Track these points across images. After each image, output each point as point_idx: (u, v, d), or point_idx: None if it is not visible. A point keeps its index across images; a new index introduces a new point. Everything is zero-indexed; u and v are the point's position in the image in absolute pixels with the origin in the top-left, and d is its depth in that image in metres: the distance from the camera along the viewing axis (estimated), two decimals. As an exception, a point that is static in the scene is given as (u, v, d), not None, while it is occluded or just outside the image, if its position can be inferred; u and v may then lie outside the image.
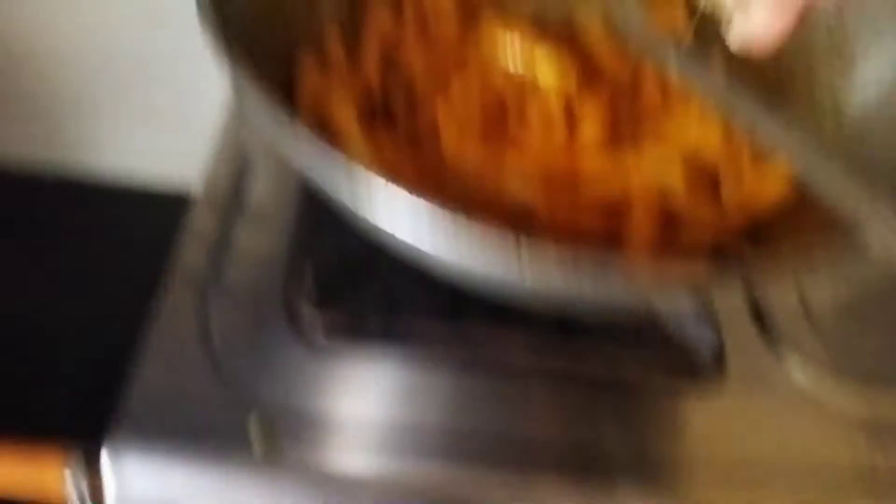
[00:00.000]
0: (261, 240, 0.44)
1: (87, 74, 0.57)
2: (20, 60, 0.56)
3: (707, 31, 0.49)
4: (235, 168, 0.47)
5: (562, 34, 0.45)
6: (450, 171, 0.35)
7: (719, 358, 0.42)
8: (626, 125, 0.42)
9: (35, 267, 0.62)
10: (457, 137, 0.34)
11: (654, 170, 0.38)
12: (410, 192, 0.24)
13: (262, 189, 0.45)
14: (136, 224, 0.65)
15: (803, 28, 0.43)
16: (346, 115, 0.34)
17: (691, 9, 0.49)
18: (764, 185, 0.40)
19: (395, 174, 0.34)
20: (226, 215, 0.43)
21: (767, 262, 0.33)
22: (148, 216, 0.65)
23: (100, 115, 0.60)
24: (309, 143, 0.26)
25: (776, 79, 0.46)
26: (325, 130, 0.35)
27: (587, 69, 0.43)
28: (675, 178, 0.37)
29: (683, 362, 0.41)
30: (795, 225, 0.39)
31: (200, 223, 0.44)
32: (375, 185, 0.26)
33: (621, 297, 0.31)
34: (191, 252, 0.42)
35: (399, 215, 0.26)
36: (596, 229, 0.37)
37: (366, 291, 0.40)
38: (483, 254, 0.25)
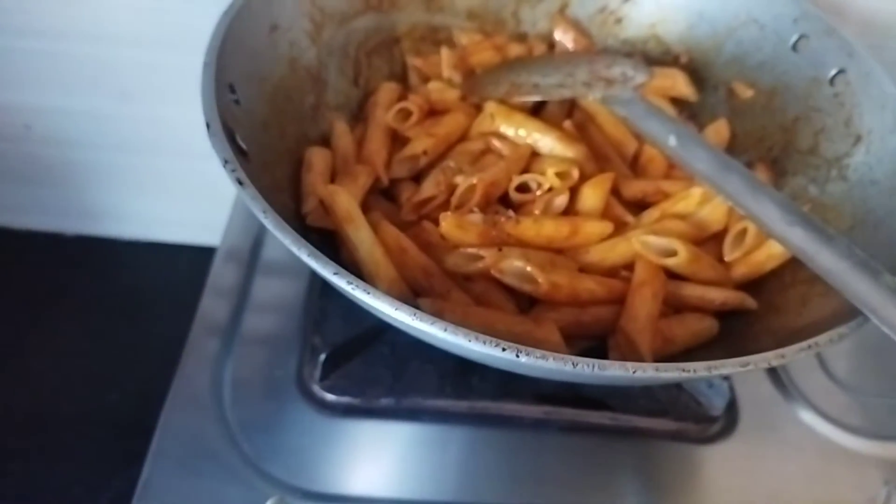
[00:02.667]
0: (270, 320, 0.45)
1: (106, 146, 0.59)
2: (43, 133, 0.59)
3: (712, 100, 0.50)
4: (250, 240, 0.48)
5: (563, 107, 0.46)
6: (450, 248, 0.36)
7: (731, 406, 0.42)
8: (627, 194, 0.42)
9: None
10: (456, 222, 0.35)
11: (656, 231, 0.38)
12: (414, 313, 0.25)
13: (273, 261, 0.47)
14: (153, 278, 0.66)
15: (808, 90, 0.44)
16: (350, 204, 0.35)
17: (691, 74, 0.50)
18: (768, 242, 0.40)
19: (399, 254, 0.35)
20: (235, 307, 0.44)
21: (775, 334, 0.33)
22: (166, 270, 0.66)
23: (120, 184, 0.62)
24: (322, 265, 0.27)
25: (783, 141, 0.46)
26: (331, 214, 0.36)
27: (591, 145, 0.44)
28: (676, 238, 0.37)
29: (695, 410, 0.41)
30: (800, 275, 0.39)
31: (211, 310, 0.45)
32: (382, 301, 0.26)
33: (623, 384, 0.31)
34: (203, 332, 0.44)
35: (405, 323, 0.27)
36: (598, 293, 0.37)
37: (376, 366, 0.40)
38: (486, 353, 0.26)
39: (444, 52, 0.48)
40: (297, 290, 0.46)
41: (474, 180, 0.37)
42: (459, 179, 0.38)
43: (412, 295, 0.35)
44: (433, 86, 0.47)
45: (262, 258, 0.49)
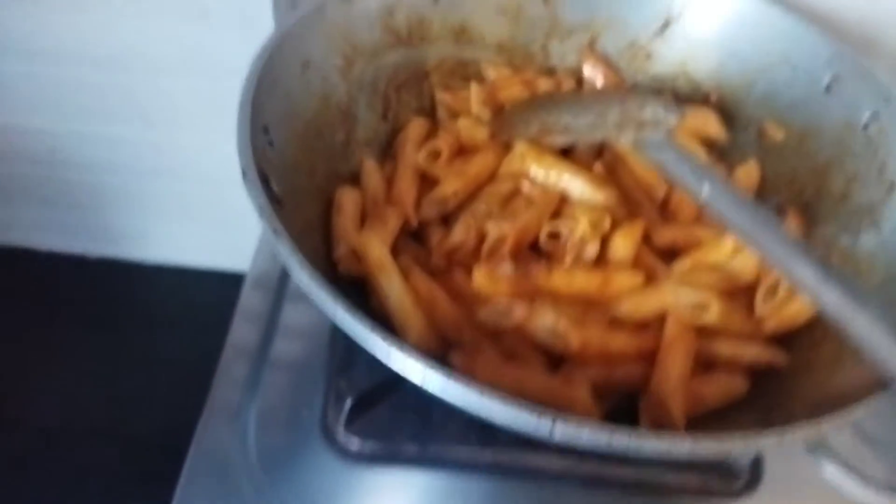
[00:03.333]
0: (298, 348, 0.45)
1: (129, 170, 0.60)
2: (67, 157, 0.59)
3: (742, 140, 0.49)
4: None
5: (593, 147, 0.46)
6: (481, 299, 0.36)
7: (757, 460, 0.41)
8: (658, 241, 0.42)
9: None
10: (488, 275, 0.35)
11: (687, 284, 0.38)
12: (444, 374, 0.25)
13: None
14: (175, 301, 0.67)
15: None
16: (381, 252, 0.36)
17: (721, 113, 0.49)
18: (798, 297, 0.40)
19: (429, 304, 0.35)
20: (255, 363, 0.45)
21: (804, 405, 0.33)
22: (187, 295, 0.67)
23: (142, 208, 0.63)
24: (350, 321, 0.27)
25: (814, 186, 0.46)
26: (362, 261, 0.36)
27: (621, 188, 0.43)
28: (707, 292, 0.37)
29: (720, 465, 0.40)
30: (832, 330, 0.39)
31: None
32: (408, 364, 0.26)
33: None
34: (233, 357, 0.44)
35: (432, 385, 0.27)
36: (628, 349, 0.37)
37: (401, 411, 0.40)
38: (516, 421, 0.26)
39: (474, 88, 0.48)
40: (325, 319, 0.46)
41: (505, 229, 0.37)
42: (490, 226, 0.38)
43: (442, 346, 0.35)
44: (462, 123, 0.47)
45: (291, 285, 0.49)
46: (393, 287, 0.35)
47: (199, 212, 0.58)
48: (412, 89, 0.50)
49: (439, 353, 0.35)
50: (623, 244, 0.39)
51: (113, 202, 0.63)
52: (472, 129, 0.46)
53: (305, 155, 0.41)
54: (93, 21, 0.50)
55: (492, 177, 0.44)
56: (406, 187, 0.42)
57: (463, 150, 0.46)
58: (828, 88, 0.46)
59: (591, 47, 0.52)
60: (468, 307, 0.36)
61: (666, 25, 0.51)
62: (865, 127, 0.44)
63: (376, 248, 0.36)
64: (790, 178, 0.47)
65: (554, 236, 0.39)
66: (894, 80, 0.44)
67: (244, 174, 0.33)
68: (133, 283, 0.69)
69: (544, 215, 0.40)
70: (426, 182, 0.45)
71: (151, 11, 0.49)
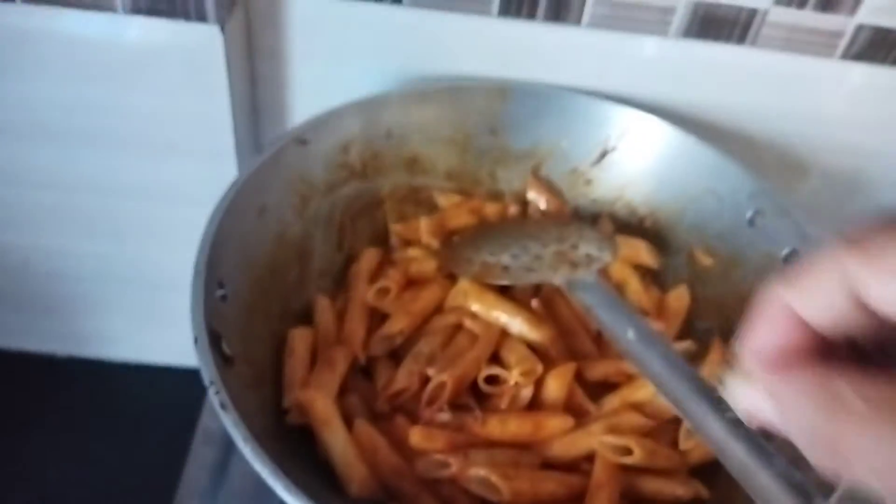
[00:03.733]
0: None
1: (99, 279, 0.62)
2: (40, 268, 0.61)
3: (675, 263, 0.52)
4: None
5: (532, 289, 0.49)
6: (419, 450, 0.38)
7: None
8: (590, 376, 0.45)
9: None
10: (424, 434, 0.37)
11: (613, 428, 0.41)
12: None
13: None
14: (140, 396, 0.69)
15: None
16: (325, 408, 0.38)
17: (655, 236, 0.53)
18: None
19: (371, 453, 0.37)
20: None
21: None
22: (152, 390, 0.69)
23: (111, 311, 0.65)
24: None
25: (741, 313, 0.49)
26: (308, 415, 0.39)
27: (558, 321, 0.46)
28: (632, 436, 0.40)
29: None
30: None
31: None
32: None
33: None
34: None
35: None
36: (559, 492, 0.39)
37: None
38: None
39: (423, 221, 0.51)
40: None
41: (444, 377, 0.40)
42: (431, 373, 0.41)
43: (384, 494, 0.38)
44: (413, 254, 0.50)
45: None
46: (337, 441, 0.38)
47: (164, 315, 0.61)
48: (366, 218, 0.53)
49: (380, 500, 0.38)
50: (556, 386, 0.42)
51: (81, 307, 0.66)
52: (421, 261, 0.49)
53: (260, 299, 0.44)
54: (65, 152, 0.53)
55: (438, 308, 0.47)
56: (356, 326, 0.45)
57: (412, 282, 0.49)
58: (751, 221, 0.50)
59: (536, 174, 0.55)
60: (408, 456, 0.39)
61: (603, 155, 0.55)
62: (785, 261, 0.47)
63: (321, 404, 0.38)
64: (719, 305, 0.51)
65: (491, 379, 0.42)
66: (812, 218, 0.47)
67: (195, 340, 0.36)
68: (100, 380, 0.71)
69: (483, 356, 0.43)
70: (377, 314, 0.48)
71: (122, 143, 0.52)
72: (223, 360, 0.37)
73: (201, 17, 0.46)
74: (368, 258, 0.50)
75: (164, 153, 0.53)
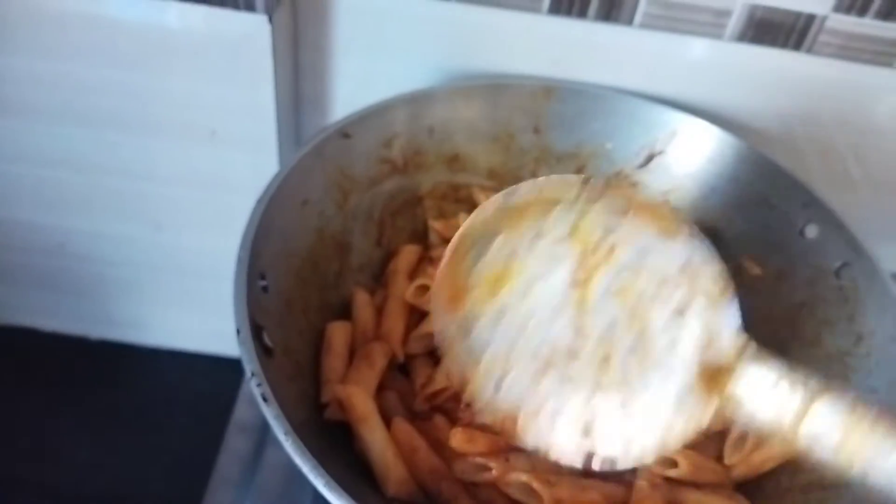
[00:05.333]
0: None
1: (134, 265, 0.62)
2: (76, 251, 0.62)
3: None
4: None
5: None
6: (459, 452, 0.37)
7: None
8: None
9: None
10: (465, 436, 0.36)
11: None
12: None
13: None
14: (171, 382, 0.69)
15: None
16: (364, 404, 0.37)
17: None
18: (766, 445, 0.41)
19: (410, 454, 0.37)
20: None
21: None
22: (183, 376, 0.68)
23: (145, 297, 0.65)
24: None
25: (788, 327, 0.48)
26: (346, 412, 0.38)
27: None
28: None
29: None
30: (797, 480, 0.40)
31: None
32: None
33: None
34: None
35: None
36: (599, 502, 0.38)
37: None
38: None
39: (462, 218, 0.50)
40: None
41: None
42: (471, 374, 0.40)
43: (422, 495, 0.37)
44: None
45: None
46: (375, 439, 0.37)
47: (197, 302, 0.61)
48: (406, 214, 0.52)
49: (417, 501, 0.37)
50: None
51: (115, 291, 0.66)
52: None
53: (300, 291, 0.43)
54: (106, 137, 0.53)
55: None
56: (394, 322, 0.44)
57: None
58: (802, 232, 0.48)
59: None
60: (447, 457, 0.38)
61: (650, 159, 0.53)
62: (837, 275, 0.46)
63: (360, 400, 0.37)
64: (766, 317, 0.49)
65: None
66: (866, 233, 0.46)
67: (238, 332, 0.35)
68: (132, 365, 0.70)
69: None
70: (416, 312, 0.47)
71: (163, 130, 0.52)
72: (264, 352, 0.36)
73: (250, 7, 0.45)
74: (407, 255, 0.49)
75: (206, 141, 0.52)
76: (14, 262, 0.64)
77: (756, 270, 0.50)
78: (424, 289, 0.46)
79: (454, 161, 0.53)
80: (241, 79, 0.49)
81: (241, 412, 0.57)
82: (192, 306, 0.64)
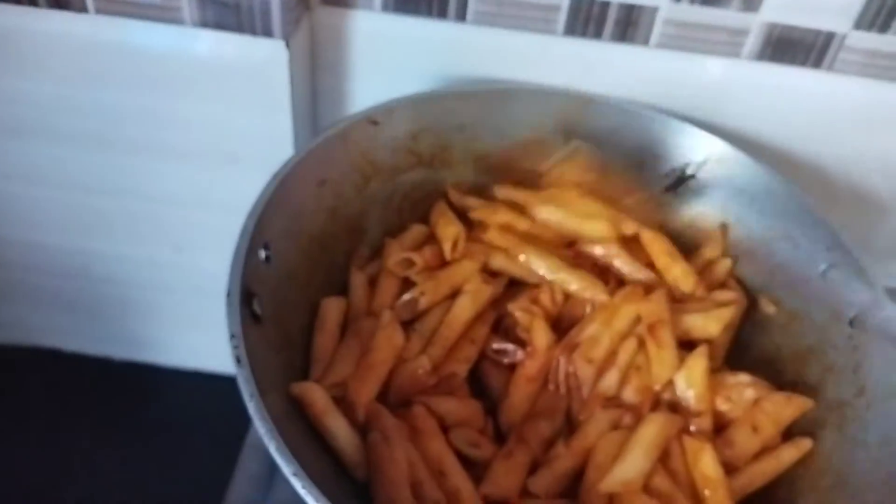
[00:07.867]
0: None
1: (156, 287, 0.65)
2: (99, 274, 0.64)
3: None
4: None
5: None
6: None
7: None
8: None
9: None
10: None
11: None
12: None
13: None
14: (191, 402, 0.71)
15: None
16: (321, 396, 0.39)
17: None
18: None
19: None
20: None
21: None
22: (203, 396, 0.70)
23: (167, 319, 0.68)
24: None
25: (793, 369, 0.46)
26: (306, 407, 0.39)
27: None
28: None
29: None
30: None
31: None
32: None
33: None
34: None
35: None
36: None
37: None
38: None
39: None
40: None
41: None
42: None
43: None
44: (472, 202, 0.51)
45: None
46: (338, 426, 0.38)
47: (216, 323, 0.63)
48: (426, 205, 0.53)
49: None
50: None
51: (136, 312, 0.68)
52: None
53: (305, 266, 0.45)
54: (128, 162, 0.54)
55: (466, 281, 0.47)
56: (385, 297, 0.46)
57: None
58: (823, 275, 0.46)
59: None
60: (423, 449, 0.39)
61: (680, 182, 0.53)
62: (850, 323, 0.44)
63: (317, 396, 0.38)
64: (773, 357, 0.48)
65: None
66: (885, 280, 0.44)
67: (228, 294, 0.37)
68: (154, 385, 0.72)
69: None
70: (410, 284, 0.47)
71: (183, 154, 0.53)
72: (252, 318, 0.38)
73: (267, 33, 0.46)
74: (413, 232, 0.50)
75: (225, 165, 0.53)
76: (39, 285, 0.66)
77: (770, 309, 0.49)
78: (409, 263, 0.47)
79: (481, 160, 0.53)
80: (259, 103, 0.50)
81: (255, 434, 0.56)
82: (210, 327, 0.66)
